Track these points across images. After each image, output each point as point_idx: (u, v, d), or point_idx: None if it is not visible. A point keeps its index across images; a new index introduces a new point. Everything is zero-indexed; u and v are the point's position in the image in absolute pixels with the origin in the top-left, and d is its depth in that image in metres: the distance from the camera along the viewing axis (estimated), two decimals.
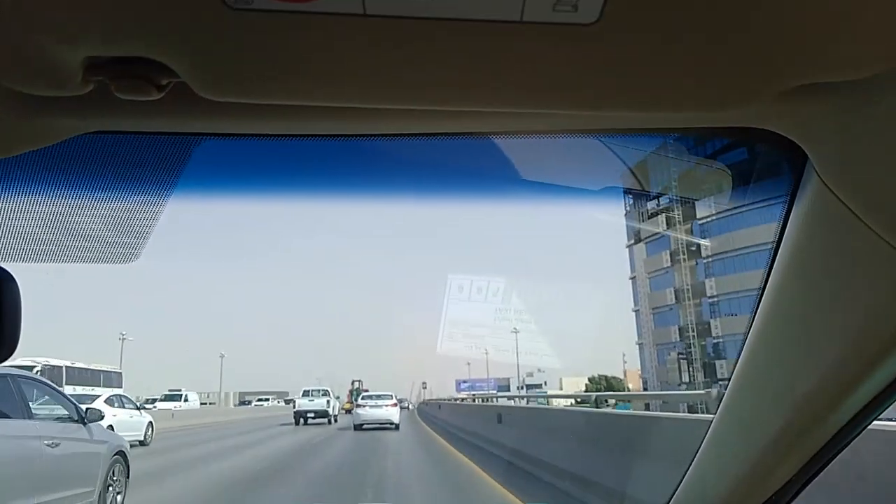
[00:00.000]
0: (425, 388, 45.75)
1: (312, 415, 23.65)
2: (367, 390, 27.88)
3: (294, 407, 24.75)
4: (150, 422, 14.93)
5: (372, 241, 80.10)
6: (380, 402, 20.34)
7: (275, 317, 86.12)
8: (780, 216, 0.82)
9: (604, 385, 54.99)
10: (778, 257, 0.83)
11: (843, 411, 0.87)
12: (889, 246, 0.68)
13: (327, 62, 0.52)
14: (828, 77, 0.55)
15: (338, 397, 29.76)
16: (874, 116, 0.62)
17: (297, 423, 23.09)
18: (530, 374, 50.44)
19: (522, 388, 48.99)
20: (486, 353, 19.70)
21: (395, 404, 20.31)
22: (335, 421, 24.56)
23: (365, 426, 19.12)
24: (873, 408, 0.86)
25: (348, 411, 32.72)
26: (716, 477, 1.09)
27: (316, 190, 1.13)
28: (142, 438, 14.48)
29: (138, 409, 14.82)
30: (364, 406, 20.26)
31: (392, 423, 19.32)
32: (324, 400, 24.24)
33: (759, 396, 0.97)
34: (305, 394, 24.82)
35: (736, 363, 0.98)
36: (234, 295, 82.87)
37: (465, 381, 51.86)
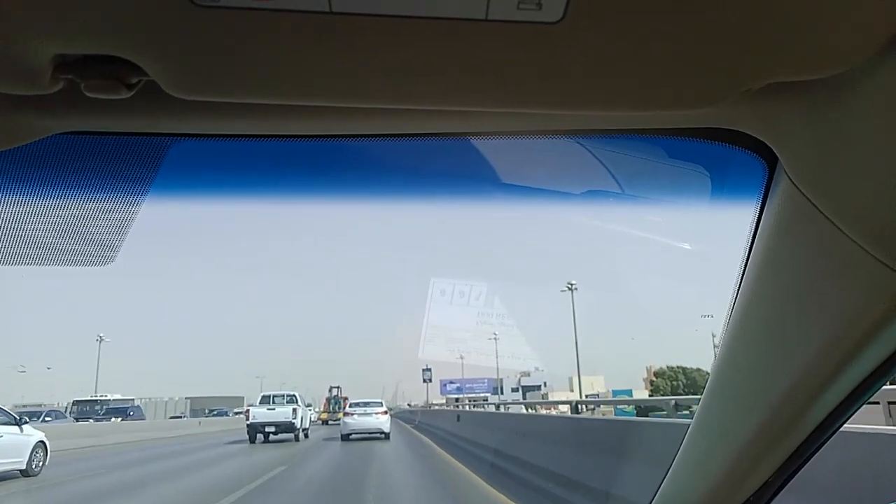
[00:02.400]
0: (429, 379, 39.12)
1: (273, 429, 18.17)
2: (346, 397, 26.28)
3: (248, 419, 18.80)
4: (41, 441, 10.94)
5: (347, 242, 76.69)
6: (369, 409, 19.00)
7: (242, 319, 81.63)
8: (752, 217, 0.84)
9: (682, 382, 40.64)
10: (751, 259, 0.85)
11: (817, 412, 0.89)
12: (858, 246, 0.68)
13: (294, 60, 0.53)
14: (793, 76, 0.55)
15: (309, 405, 24.74)
16: (840, 116, 0.62)
17: (252, 439, 18.09)
18: (526, 374, 46.01)
19: (518, 389, 45.32)
20: (491, 340, 17.45)
21: (386, 412, 19.11)
22: (305, 437, 19.56)
23: (353, 436, 17.96)
24: (846, 408, 0.88)
25: (325, 422, 28.95)
26: (694, 480, 1.11)
27: (289, 190, 1.12)
28: (23, 467, 10.35)
29: (18, 423, 10.76)
30: (352, 414, 18.96)
31: (382, 433, 18.17)
32: (289, 409, 18.62)
33: (734, 399, 1.00)
34: (264, 400, 19.24)
35: (712, 366, 1.01)
36: (202, 295, 78.27)
37: (451, 382, 46.86)
